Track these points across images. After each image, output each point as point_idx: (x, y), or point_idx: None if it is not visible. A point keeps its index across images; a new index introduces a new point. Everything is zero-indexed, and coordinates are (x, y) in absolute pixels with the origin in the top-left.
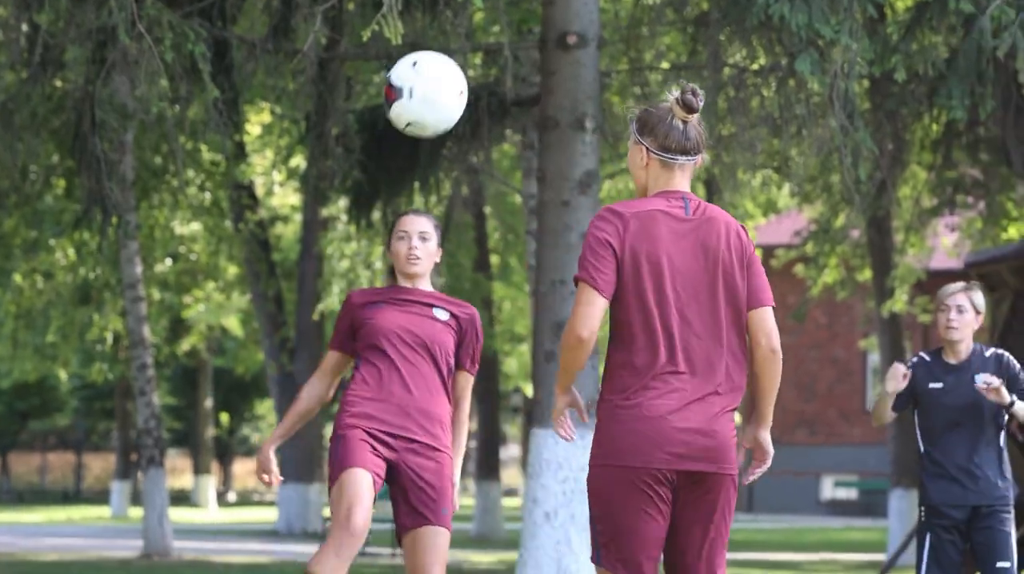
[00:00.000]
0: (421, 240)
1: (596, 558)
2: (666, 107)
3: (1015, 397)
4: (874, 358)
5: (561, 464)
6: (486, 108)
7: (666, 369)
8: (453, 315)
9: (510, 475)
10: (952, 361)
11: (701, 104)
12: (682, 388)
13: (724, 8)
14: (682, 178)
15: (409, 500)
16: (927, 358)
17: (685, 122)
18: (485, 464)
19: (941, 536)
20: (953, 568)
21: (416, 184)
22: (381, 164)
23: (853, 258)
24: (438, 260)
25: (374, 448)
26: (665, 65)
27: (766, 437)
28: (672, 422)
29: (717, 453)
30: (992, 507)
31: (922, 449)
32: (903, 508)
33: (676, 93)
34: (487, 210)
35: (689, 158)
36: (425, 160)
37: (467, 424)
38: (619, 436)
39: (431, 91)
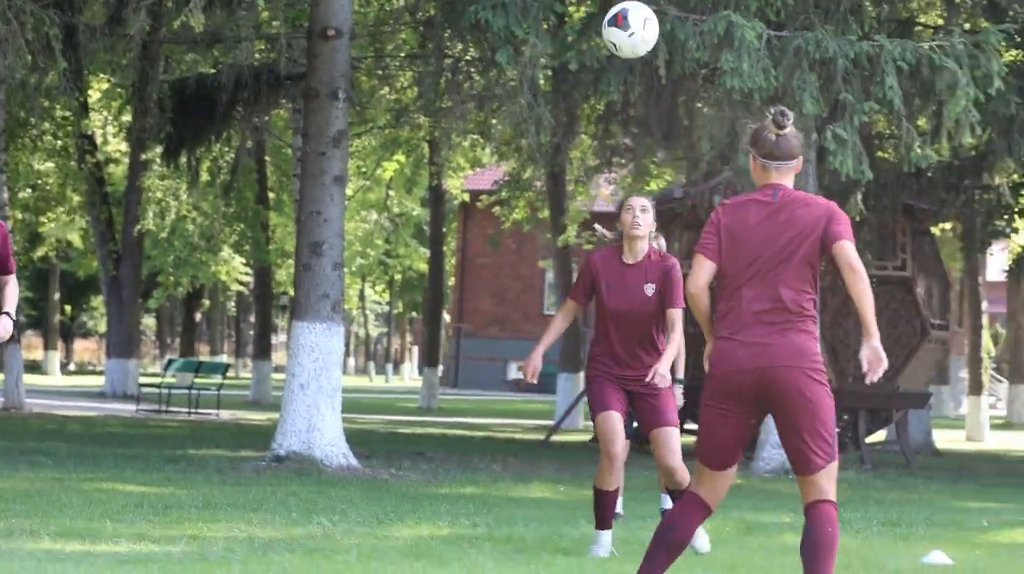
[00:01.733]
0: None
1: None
2: (765, 124)
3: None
4: (550, 275)
5: (313, 348)
6: (266, 82)
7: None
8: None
9: (278, 356)
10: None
11: (789, 123)
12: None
13: (445, 13)
14: (779, 177)
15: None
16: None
17: (777, 135)
18: (259, 347)
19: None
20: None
21: (212, 137)
22: (187, 122)
23: (536, 201)
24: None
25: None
26: (402, 54)
27: (874, 344)
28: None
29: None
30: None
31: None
32: (567, 387)
33: (770, 114)
34: (267, 158)
35: (782, 163)
36: (220, 119)
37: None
38: None
39: (640, 45)
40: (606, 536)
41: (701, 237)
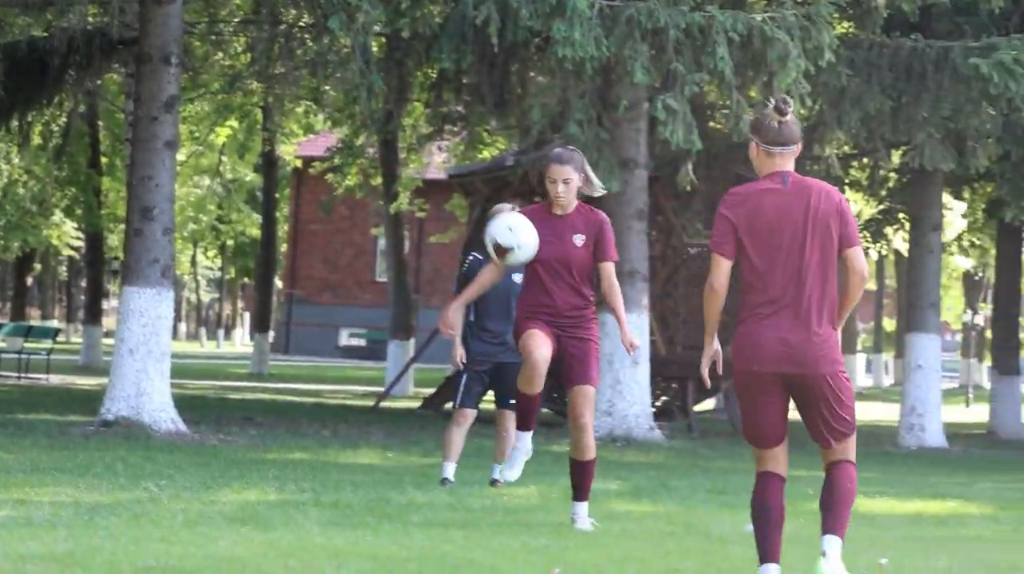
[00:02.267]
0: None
1: None
2: (767, 112)
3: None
4: (382, 242)
5: (143, 313)
6: (99, 46)
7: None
8: None
9: (110, 321)
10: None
11: (791, 110)
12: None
13: None
14: (782, 162)
15: None
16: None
17: (779, 122)
18: (90, 312)
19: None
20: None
21: (44, 101)
22: (20, 85)
23: (369, 168)
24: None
25: None
26: (236, 20)
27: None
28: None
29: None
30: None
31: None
32: (397, 354)
33: (772, 102)
34: (100, 123)
35: (786, 148)
36: (52, 83)
37: None
38: None
39: (528, 249)
40: (525, 438)
41: (714, 235)
